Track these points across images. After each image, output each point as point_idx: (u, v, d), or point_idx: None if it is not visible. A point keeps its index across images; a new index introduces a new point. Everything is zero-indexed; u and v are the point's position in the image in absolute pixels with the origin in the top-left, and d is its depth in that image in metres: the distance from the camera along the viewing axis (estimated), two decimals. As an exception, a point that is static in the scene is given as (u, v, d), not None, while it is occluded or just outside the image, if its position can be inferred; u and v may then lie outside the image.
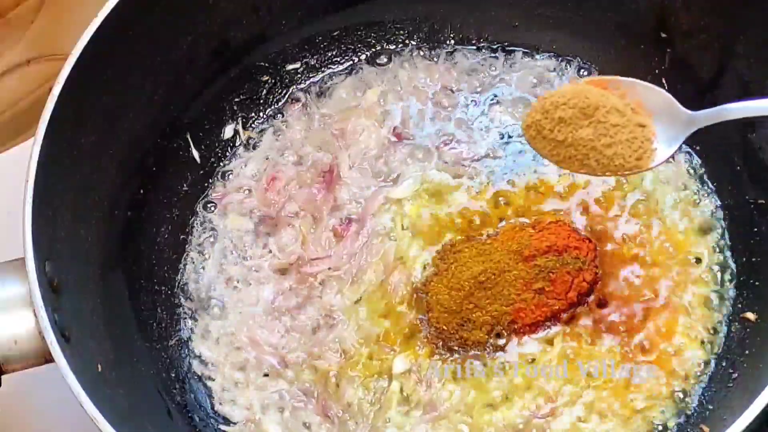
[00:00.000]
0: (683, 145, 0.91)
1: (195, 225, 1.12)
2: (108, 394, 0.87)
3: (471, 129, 1.12)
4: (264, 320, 1.05)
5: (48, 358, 0.86)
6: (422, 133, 1.13)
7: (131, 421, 0.88)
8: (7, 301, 0.87)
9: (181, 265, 1.09)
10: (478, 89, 1.14)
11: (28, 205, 0.88)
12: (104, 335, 0.95)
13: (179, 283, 1.09)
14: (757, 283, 0.98)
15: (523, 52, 1.16)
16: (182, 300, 1.07)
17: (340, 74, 1.18)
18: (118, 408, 0.87)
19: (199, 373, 1.04)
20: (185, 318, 1.07)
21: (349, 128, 1.13)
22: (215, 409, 1.02)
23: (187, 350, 1.05)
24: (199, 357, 1.05)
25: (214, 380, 1.04)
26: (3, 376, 0.88)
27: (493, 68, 1.15)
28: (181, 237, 1.11)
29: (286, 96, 1.17)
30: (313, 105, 1.16)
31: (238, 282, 1.08)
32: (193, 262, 1.09)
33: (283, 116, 1.16)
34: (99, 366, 0.90)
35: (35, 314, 0.85)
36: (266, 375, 1.02)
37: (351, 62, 1.18)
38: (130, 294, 1.03)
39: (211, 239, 1.11)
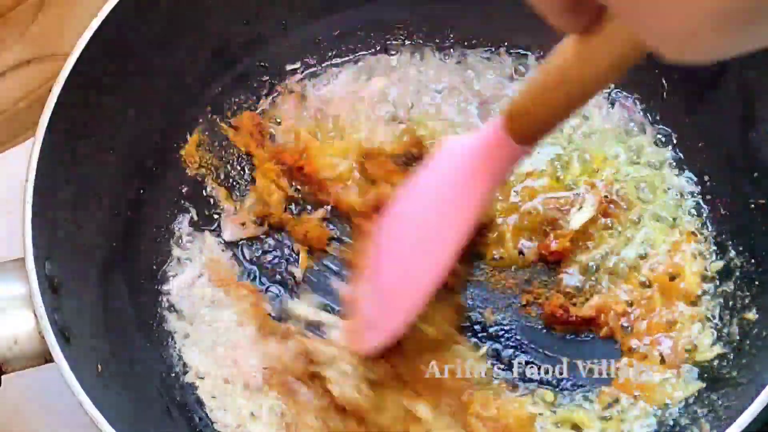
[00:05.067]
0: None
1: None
2: (108, 394, 0.87)
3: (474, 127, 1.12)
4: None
5: (48, 358, 0.86)
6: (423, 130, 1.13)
7: (131, 421, 0.88)
8: (7, 301, 0.87)
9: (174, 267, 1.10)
10: (480, 89, 1.15)
11: (28, 205, 0.88)
12: (104, 335, 0.95)
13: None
14: (757, 283, 0.98)
15: (524, 53, 1.16)
16: (176, 304, 1.07)
17: (340, 74, 1.18)
18: (118, 408, 0.87)
19: (190, 381, 1.03)
20: (180, 321, 1.06)
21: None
22: (206, 413, 1.01)
23: (179, 356, 1.04)
24: (189, 364, 1.04)
25: (203, 386, 1.03)
26: (3, 376, 0.88)
27: (498, 68, 1.15)
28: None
29: (286, 96, 1.17)
30: (313, 105, 1.16)
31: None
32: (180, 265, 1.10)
33: (282, 116, 1.16)
34: (99, 366, 0.90)
35: (35, 314, 0.85)
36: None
37: (351, 62, 1.18)
38: (130, 294, 1.03)
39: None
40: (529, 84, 0.76)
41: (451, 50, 1.17)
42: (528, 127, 0.77)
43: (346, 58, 1.18)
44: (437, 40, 1.18)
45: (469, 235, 0.86)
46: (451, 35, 1.18)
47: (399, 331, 0.90)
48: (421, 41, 1.18)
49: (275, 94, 1.17)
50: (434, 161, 0.89)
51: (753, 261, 1.00)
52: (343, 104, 1.15)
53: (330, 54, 1.18)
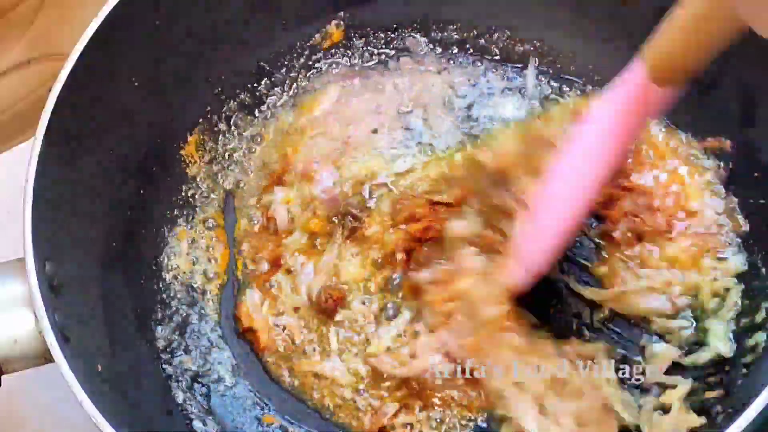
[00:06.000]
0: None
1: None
2: (108, 394, 0.87)
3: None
4: None
5: (48, 358, 0.86)
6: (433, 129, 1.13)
7: (131, 421, 0.88)
8: (7, 301, 0.87)
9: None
10: (483, 88, 1.15)
11: (28, 205, 0.88)
12: (104, 335, 0.95)
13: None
14: (756, 283, 0.98)
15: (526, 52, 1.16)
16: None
17: (342, 74, 1.18)
18: (118, 408, 0.87)
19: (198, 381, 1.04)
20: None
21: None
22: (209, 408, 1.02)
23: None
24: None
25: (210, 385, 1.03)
26: (3, 376, 0.88)
27: (497, 66, 1.16)
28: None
29: (287, 96, 1.17)
30: (312, 107, 1.16)
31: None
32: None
33: (282, 116, 1.16)
34: (99, 366, 0.90)
35: (35, 314, 0.85)
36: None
37: (352, 62, 1.18)
38: (130, 294, 1.03)
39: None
40: (668, 28, 0.78)
41: (453, 49, 1.17)
42: (672, 70, 0.80)
43: (348, 58, 1.18)
44: (440, 39, 1.18)
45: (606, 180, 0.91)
46: (455, 36, 1.18)
47: (544, 269, 0.93)
48: (424, 40, 1.18)
49: (275, 95, 1.17)
50: (585, 123, 0.91)
51: (752, 261, 1.00)
52: (342, 110, 1.15)
53: (331, 54, 1.18)
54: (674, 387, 0.95)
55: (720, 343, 0.96)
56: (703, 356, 0.97)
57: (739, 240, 1.01)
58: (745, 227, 1.01)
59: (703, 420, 0.92)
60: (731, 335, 0.97)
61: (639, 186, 1.04)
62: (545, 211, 0.93)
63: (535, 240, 0.94)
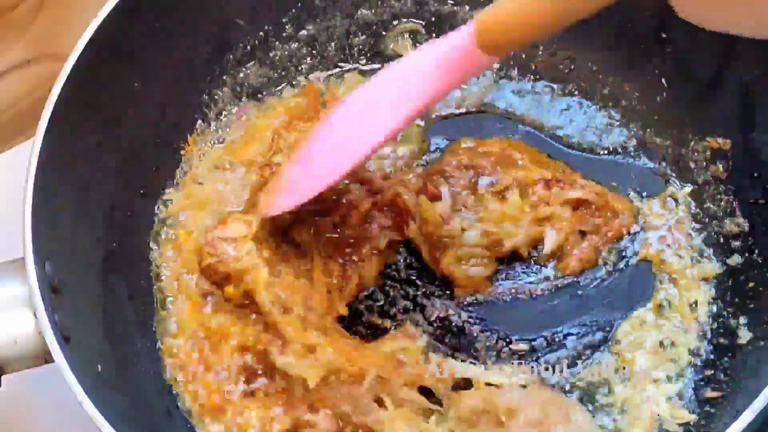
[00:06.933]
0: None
1: (195, 225, 1.12)
2: (108, 394, 0.87)
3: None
4: None
5: (48, 358, 0.86)
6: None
7: (131, 421, 0.88)
8: (7, 301, 0.87)
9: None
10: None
11: (28, 205, 0.88)
12: (104, 335, 0.95)
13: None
14: (753, 284, 0.99)
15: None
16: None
17: (343, 74, 1.18)
18: (118, 408, 0.87)
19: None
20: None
21: None
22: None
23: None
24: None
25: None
26: (3, 376, 0.88)
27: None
28: (181, 237, 1.11)
29: (287, 96, 1.17)
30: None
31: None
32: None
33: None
34: (99, 366, 0.90)
35: (35, 314, 0.85)
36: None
37: (353, 62, 1.18)
38: (129, 294, 1.03)
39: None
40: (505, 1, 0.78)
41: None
42: (499, 42, 0.80)
43: (349, 58, 1.18)
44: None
45: (408, 123, 0.89)
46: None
47: (312, 195, 0.91)
48: (424, 40, 1.18)
49: (276, 96, 1.17)
50: (404, 59, 0.92)
51: (752, 261, 1.00)
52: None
53: (332, 54, 1.18)
54: (658, 381, 0.96)
55: (693, 339, 0.98)
56: (681, 352, 0.98)
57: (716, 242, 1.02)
58: (745, 227, 1.01)
59: (694, 417, 0.93)
60: (708, 332, 0.98)
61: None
62: (322, 141, 0.91)
63: (306, 170, 0.92)
